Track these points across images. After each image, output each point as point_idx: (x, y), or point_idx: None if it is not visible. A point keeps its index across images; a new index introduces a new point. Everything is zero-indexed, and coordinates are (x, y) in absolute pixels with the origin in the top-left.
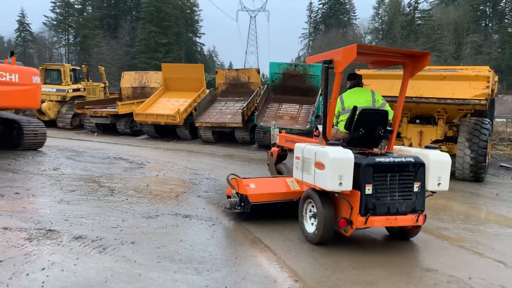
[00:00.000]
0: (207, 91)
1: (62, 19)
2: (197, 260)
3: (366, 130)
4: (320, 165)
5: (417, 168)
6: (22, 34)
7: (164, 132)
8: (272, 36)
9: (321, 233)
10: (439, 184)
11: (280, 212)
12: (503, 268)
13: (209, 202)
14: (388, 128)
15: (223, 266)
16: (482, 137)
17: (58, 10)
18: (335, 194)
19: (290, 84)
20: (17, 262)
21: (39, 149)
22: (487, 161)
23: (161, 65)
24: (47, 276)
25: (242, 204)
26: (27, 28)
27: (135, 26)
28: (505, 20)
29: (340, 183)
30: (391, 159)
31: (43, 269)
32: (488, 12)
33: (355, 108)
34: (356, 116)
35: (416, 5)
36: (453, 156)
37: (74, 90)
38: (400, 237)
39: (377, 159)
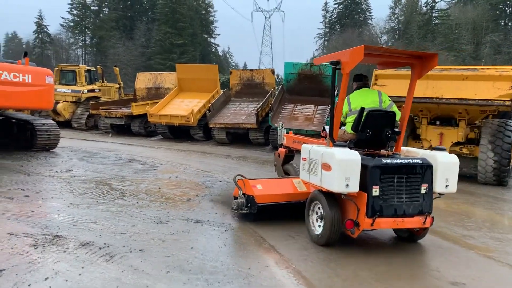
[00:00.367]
0: (221, 91)
1: (79, 20)
2: (208, 270)
3: (373, 131)
4: (326, 167)
5: (425, 170)
6: (40, 36)
7: (178, 133)
8: (287, 36)
9: (328, 235)
10: (447, 186)
11: (288, 214)
12: None
13: (221, 207)
14: (395, 129)
15: (235, 277)
16: (506, 139)
17: (75, 12)
18: (342, 196)
19: (305, 85)
20: (20, 271)
21: (53, 150)
22: (511, 164)
23: (175, 65)
24: (50, 287)
25: (249, 205)
26: (45, 29)
27: (151, 27)
28: None
29: (347, 185)
30: (398, 161)
31: (46, 279)
32: (507, 11)
33: (362, 109)
34: (363, 117)
35: (433, 4)
36: (474, 159)
37: (89, 91)
38: (407, 240)
39: (384, 161)
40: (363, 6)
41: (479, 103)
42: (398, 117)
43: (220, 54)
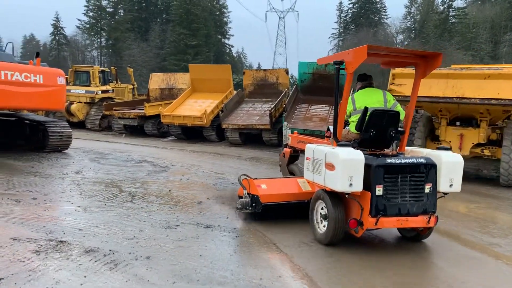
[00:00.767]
0: (235, 92)
1: (95, 22)
2: (217, 280)
3: (377, 131)
4: (330, 166)
5: (429, 169)
6: (57, 38)
7: (191, 133)
8: (301, 36)
9: (332, 234)
10: (451, 185)
11: (294, 214)
12: None
13: (233, 210)
14: (399, 129)
15: None
16: None
17: (91, 14)
18: (346, 195)
19: (320, 85)
20: (19, 280)
21: (65, 151)
22: None
23: (189, 66)
24: None
25: (254, 204)
26: (61, 31)
27: (165, 29)
28: None
29: (350, 184)
30: (402, 160)
31: None
32: None
33: (366, 108)
34: (367, 117)
35: (450, 3)
36: (496, 161)
37: (103, 91)
38: (412, 239)
39: (388, 160)
40: (378, 5)
41: (502, 102)
42: (402, 117)
43: (234, 55)
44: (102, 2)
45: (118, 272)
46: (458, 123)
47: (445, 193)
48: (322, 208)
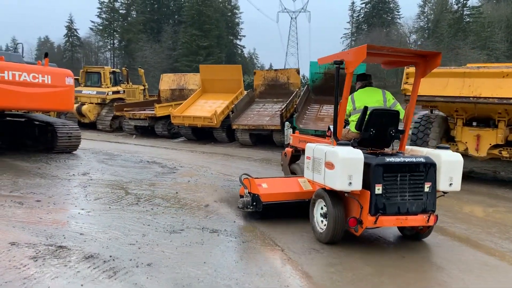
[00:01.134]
0: (245, 92)
1: (108, 24)
2: None
3: (377, 130)
4: (330, 165)
5: (428, 168)
6: (70, 39)
7: (201, 134)
8: (313, 37)
9: (332, 233)
10: (451, 184)
11: (296, 213)
12: None
13: (240, 214)
14: (399, 128)
15: None
16: None
17: (104, 16)
18: (345, 194)
19: (331, 85)
20: None
21: (74, 152)
22: None
23: (199, 66)
24: None
25: (254, 203)
26: (75, 33)
27: (177, 30)
28: None
29: (350, 183)
30: (401, 159)
31: None
32: None
33: (365, 108)
34: (366, 116)
35: (464, 2)
36: None
37: (114, 92)
38: (412, 238)
39: (387, 159)
40: (391, 5)
41: None
42: (402, 116)
43: (246, 55)
44: (115, 4)
45: (117, 280)
46: (474, 123)
47: (444, 192)
48: (322, 207)
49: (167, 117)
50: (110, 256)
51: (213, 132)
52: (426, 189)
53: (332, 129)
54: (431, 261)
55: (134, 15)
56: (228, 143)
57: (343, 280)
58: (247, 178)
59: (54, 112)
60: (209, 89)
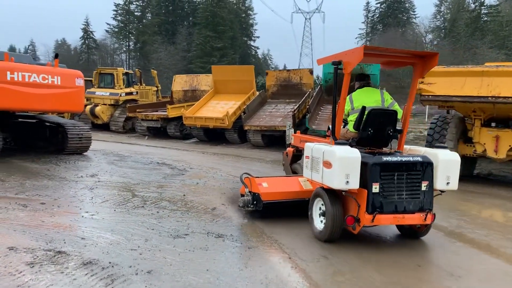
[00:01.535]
0: (257, 93)
1: (123, 26)
2: None
3: (375, 130)
4: (327, 164)
5: (425, 167)
6: (86, 42)
7: (213, 135)
8: (327, 37)
9: (330, 231)
10: (448, 183)
11: (297, 212)
12: None
13: (248, 218)
14: (397, 127)
15: None
16: None
17: (119, 18)
18: (343, 193)
19: None
20: None
21: (84, 153)
22: None
23: (211, 67)
24: None
25: (255, 202)
26: (91, 35)
27: (192, 32)
28: None
29: (347, 182)
30: (398, 158)
31: None
32: None
33: (363, 108)
34: (364, 116)
35: (482, 0)
36: None
37: (127, 93)
38: (411, 236)
39: (384, 158)
40: (407, 4)
41: None
42: (400, 115)
43: (260, 56)
44: (130, 6)
45: None
46: (493, 124)
47: (442, 191)
48: (320, 206)
49: (179, 118)
50: (110, 263)
51: (225, 133)
52: (423, 188)
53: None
54: (448, 270)
55: (149, 17)
56: (240, 144)
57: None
58: (247, 177)
59: (68, 114)
60: (221, 90)
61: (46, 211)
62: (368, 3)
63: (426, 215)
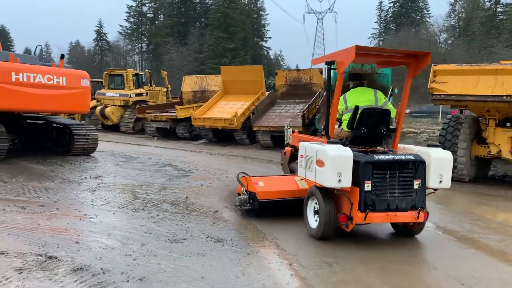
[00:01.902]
0: (267, 93)
1: (136, 28)
2: None
3: (368, 129)
4: (320, 163)
5: (417, 166)
6: (100, 44)
7: (222, 136)
8: (339, 37)
9: (323, 229)
10: (440, 181)
11: (294, 211)
12: None
13: (251, 221)
14: (391, 126)
15: None
16: None
17: (132, 20)
18: (335, 191)
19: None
20: None
21: (91, 155)
22: None
23: (220, 67)
24: None
25: (251, 201)
26: (104, 37)
27: (204, 33)
28: None
29: (339, 180)
30: (391, 157)
31: None
32: None
33: (357, 107)
34: (358, 115)
35: None
36: None
37: (137, 94)
38: (404, 234)
39: (376, 157)
40: (420, 3)
41: None
42: (393, 115)
43: (272, 57)
44: (143, 8)
45: None
46: (508, 124)
47: (435, 189)
48: (314, 205)
49: (188, 119)
50: (101, 269)
51: (234, 134)
52: (416, 186)
53: None
54: (458, 278)
55: (162, 19)
56: (249, 145)
57: None
58: (244, 176)
59: (78, 115)
60: (230, 90)
61: (44, 214)
62: (381, 2)
63: (419, 213)
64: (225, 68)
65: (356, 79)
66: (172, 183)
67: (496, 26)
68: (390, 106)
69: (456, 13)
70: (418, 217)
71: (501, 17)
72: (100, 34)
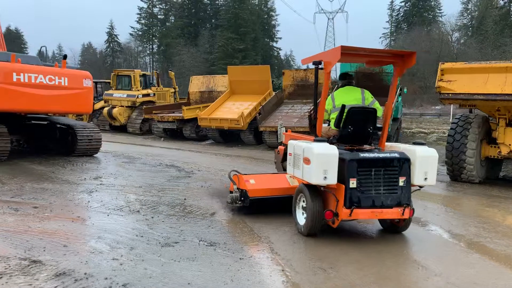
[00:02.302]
0: (274, 93)
1: (147, 29)
2: None
3: (354, 128)
4: (307, 161)
5: (402, 163)
6: (111, 45)
7: (229, 137)
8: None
9: (310, 225)
10: (425, 179)
11: (285, 208)
12: None
13: (249, 225)
14: (377, 125)
15: None
16: None
17: (143, 21)
18: (321, 188)
19: (363, 84)
20: None
21: (95, 155)
22: None
23: (227, 68)
24: None
25: (242, 198)
26: (116, 39)
27: (214, 34)
28: None
29: (325, 177)
30: (376, 155)
31: None
32: None
33: (343, 106)
34: (344, 114)
35: None
36: None
37: (144, 95)
38: (391, 231)
39: (361, 155)
40: (432, 2)
41: None
42: (380, 113)
43: (282, 58)
44: (154, 9)
45: None
46: None
47: (420, 186)
48: (303, 201)
49: (195, 119)
50: (85, 274)
51: (240, 135)
52: (401, 183)
53: None
54: (462, 286)
55: (172, 20)
56: (256, 145)
57: None
58: (236, 174)
59: (86, 116)
60: (237, 90)
61: (36, 216)
62: (392, 2)
63: (404, 209)
64: (232, 68)
65: (344, 78)
66: (172, 185)
67: (510, 25)
68: (377, 105)
69: (468, 11)
70: (403, 213)
71: None
72: (111, 36)
